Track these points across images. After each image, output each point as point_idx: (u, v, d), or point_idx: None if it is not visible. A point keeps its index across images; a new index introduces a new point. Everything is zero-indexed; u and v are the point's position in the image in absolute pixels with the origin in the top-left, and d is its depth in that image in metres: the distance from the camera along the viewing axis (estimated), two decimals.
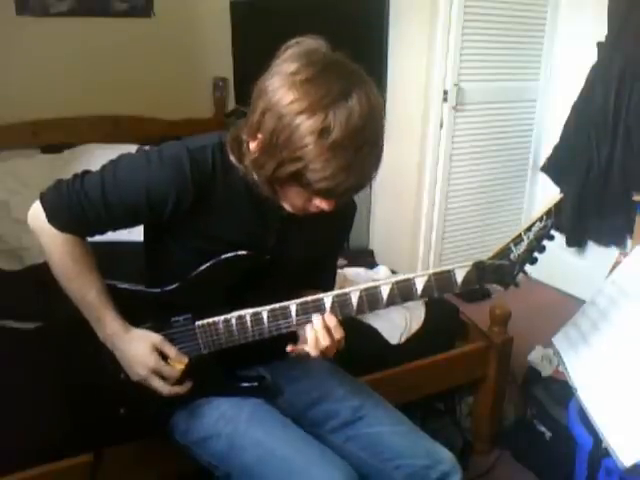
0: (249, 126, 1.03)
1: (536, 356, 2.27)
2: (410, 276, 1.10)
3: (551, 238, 1.12)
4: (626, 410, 1.26)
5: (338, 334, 1.11)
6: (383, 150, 1.02)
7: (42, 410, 1.37)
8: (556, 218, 1.10)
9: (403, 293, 1.10)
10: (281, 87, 0.96)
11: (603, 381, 1.34)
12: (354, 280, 2.03)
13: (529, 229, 1.10)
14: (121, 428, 1.28)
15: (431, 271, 1.10)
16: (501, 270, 1.12)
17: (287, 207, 1.10)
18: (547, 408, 1.93)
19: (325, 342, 1.10)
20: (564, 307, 2.17)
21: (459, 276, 1.10)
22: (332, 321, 1.10)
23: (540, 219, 1.10)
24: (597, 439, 1.36)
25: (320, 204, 1.05)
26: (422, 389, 1.83)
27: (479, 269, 1.10)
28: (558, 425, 1.85)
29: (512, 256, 1.11)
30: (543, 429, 1.93)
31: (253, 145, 1.03)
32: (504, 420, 2.10)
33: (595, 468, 1.41)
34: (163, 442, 1.29)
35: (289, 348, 1.14)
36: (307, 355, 1.13)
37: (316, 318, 1.11)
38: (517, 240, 1.11)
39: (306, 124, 0.94)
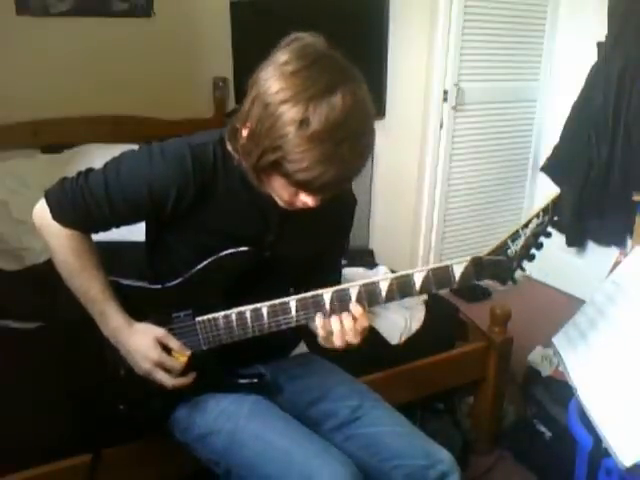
0: (241, 113, 1.05)
1: (536, 356, 2.27)
2: (409, 272, 1.11)
3: (548, 235, 1.12)
4: (626, 410, 1.26)
5: (364, 323, 1.12)
6: (370, 146, 1.02)
7: (42, 410, 1.36)
8: (554, 215, 1.10)
9: (402, 288, 1.11)
10: (271, 77, 0.98)
11: (603, 381, 1.34)
12: (352, 280, 2.02)
13: (526, 225, 1.11)
14: (121, 426, 1.28)
15: (429, 267, 1.11)
16: (498, 266, 1.12)
17: (278, 200, 1.11)
18: (547, 408, 1.94)
19: (350, 332, 1.11)
20: (564, 307, 2.17)
21: (457, 271, 1.10)
22: (358, 310, 1.11)
23: (537, 215, 1.10)
24: (597, 439, 1.36)
25: (305, 199, 1.05)
26: (422, 389, 1.83)
27: (476, 264, 1.10)
28: (558, 425, 1.86)
29: (509, 252, 1.11)
30: (543, 429, 1.93)
31: (244, 133, 1.05)
32: (504, 420, 2.10)
33: (595, 468, 1.41)
34: (163, 442, 1.30)
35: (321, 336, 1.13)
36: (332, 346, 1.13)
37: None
38: (514, 236, 1.11)
39: (288, 114, 0.95)
